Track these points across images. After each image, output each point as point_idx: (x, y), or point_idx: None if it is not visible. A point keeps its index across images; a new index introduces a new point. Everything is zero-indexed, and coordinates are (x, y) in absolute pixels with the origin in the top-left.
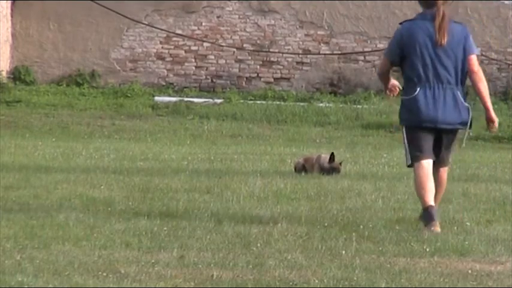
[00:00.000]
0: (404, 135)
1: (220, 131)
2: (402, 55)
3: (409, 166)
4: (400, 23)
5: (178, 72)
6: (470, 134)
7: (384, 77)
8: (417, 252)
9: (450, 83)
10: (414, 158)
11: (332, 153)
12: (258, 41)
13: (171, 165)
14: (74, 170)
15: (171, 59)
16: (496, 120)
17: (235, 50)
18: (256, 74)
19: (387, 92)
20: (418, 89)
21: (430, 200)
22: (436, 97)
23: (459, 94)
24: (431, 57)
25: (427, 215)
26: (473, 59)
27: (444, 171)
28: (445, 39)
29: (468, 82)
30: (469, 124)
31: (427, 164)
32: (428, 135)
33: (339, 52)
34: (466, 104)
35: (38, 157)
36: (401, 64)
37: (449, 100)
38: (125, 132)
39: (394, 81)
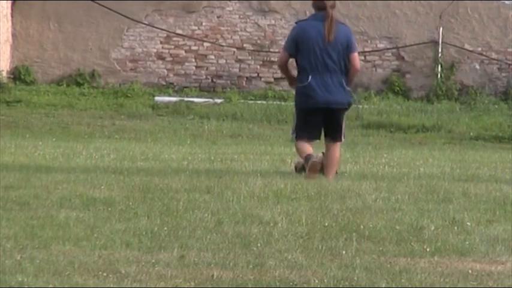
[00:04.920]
0: (296, 117)
1: (220, 131)
2: (297, 49)
3: (293, 140)
4: (296, 22)
5: (178, 72)
6: (357, 103)
7: (284, 68)
8: (417, 252)
9: (336, 71)
10: (300, 137)
11: None
12: (259, 41)
13: (171, 165)
14: (74, 170)
15: (171, 58)
16: None
17: (235, 50)
18: (256, 74)
19: (293, 83)
20: (310, 77)
21: (308, 152)
22: (325, 83)
23: (343, 80)
24: (321, 51)
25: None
26: (356, 57)
27: (336, 147)
28: (332, 36)
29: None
30: (355, 100)
31: (308, 143)
32: (317, 119)
33: None
34: (348, 89)
35: (38, 157)
36: (296, 56)
37: (337, 85)
38: (125, 132)
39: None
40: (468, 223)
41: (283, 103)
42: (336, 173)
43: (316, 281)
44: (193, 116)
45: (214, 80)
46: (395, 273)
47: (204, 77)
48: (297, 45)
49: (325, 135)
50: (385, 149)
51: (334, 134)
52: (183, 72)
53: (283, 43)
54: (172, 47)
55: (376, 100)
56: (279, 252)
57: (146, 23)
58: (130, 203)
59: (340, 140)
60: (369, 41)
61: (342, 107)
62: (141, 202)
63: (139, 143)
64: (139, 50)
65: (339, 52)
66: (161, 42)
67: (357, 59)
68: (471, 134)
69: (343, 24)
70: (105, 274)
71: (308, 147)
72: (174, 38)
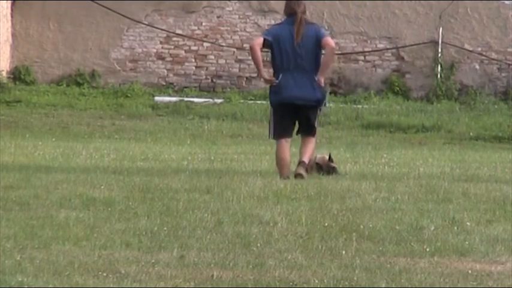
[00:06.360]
0: (272, 115)
1: (220, 131)
2: (272, 46)
3: (271, 139)
4: (271, 26)
5: (178, 72)
6: (326, 105)
7: (255, 53)
8: (417, 252)
9: (306, 70)
10: (276, 135)
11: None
12: None
13: (171, 165)
14: (74, 170)
15: (171, 59)
16: (321, 82)
17: (235, 50)
18: (256, 74)
19: (266, 77)
20: (281, 75)
21: (285, 173)
22: (295, 80)
23: (314, 78)
24: (293, 51)
25: (283, 178)
26: (329, 39)
27: (310, 141)
28: (300, 38)
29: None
30: (325, 102)
31: (286, 141)
32: (289, 116)
33: (339, 52)
34: (321, 87)
35: (38, 157)
36: (271, 56)
37: (306, 83)
38: (125, 132)
39: (269, 77)
40: (468, 223)
41: None
42: (336, 172)
43: (316, 281)
44: (193, 116)
45: (214, 80)
46: (395, 273)
47: (204, 77)
48: (273, 40)
49: (299, 131)
50: (385, 149)
51: (305, 129)
52: (183, 72)
53: None
54: (172, 47)
55: (376, 100)
56: (279, 252)
57: (146, 23)
58: (130, 203)
59: (313, 135)
60: (369, 41)
61: (308, 103)
62: (141, 202)
63: (139, 143)
64: (139, 50)
65: (311, 50)
66: (161, 42)
67: (329, 41)
68: (471, 134)
69: (312, 24)
70: (105, 274)
71: (286, 158)
72: (174, 38)
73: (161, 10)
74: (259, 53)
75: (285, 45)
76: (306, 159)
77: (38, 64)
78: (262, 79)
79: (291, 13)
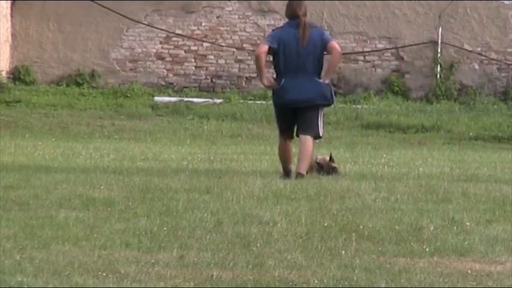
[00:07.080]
0: (275, 115)
1: (220, 131)
2: (276, 50)
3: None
4: (272, 30)
5: (178, 72)
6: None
7: (260, 59)
8: (417, 252)
9: (309, 72)
10: (279, 131)
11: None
12: (258, 41)
13: (170, 165)
14: (74, 170)
15: (171, 59)
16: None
17: (235, 50)
18: (256, 74)
19: (266, 83)
20: (284, 80)
21: (288, 166)
22: (297, 83)
23: (317, 79)
24: (297, 55)
25: (285, 174)
26: (334, 44)
27: (309, 141)
28: (306, 41)
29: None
30: (331, 99)
31: (286, 137)
32: (290, 116)
33: None
34: (326, 84)
35: (37, 157)
36: (273, 59)
37: (308, 85)
38: (125, 132)
39: (270, 79)
40: (467, 223)
41: None
42: (337, 172)
43: (316, 281)
44: (193, 116)
45: (214, 80)
46: (394, 273)
47: (204, 77)
48: (278, 46)
49: (298, 130)
50: (385, 149)
51: (305, 128)
52: (182, 72)
53: None
54: (172, 47)
55: (376, 100)
56: (278, 252)
57: (146, 23)
58: (130, 203)
59: (311, 134)
60: (369, 41)
61: (310, 104)
62: (141, 202)
63: (138, 143)
64: (139, 50)
65: (314, 53)
66: (161, 43)
67: (335, 45)
68: (470, 134)
69: (315, 27)
70: (104, 274)
71: (288, 153)
72: (174, 38)
73: (161, 10)
74: (264, 62)
75: (290, 49)
76: (303, 170)
77: (38, 64)
78: (263, 85)
79: (292, 16)
